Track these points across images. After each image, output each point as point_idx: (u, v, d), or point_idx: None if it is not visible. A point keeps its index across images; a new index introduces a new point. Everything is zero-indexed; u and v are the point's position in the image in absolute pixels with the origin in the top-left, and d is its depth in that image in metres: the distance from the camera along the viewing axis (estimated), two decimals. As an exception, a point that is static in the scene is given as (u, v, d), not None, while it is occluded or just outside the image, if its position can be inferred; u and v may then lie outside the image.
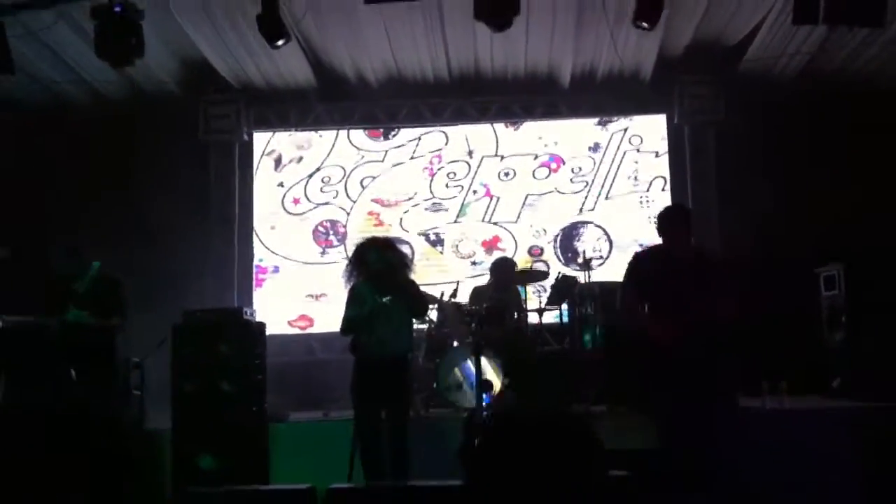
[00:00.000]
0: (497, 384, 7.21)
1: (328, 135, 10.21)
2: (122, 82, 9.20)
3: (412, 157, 10.21)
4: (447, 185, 10.17)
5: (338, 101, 10.01)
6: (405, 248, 7.27)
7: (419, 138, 10.23)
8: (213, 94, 9.77)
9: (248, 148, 10.16)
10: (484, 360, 6.88)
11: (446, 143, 10.23)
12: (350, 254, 7.01)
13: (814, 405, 7.31)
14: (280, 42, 7.63)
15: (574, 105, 10.16)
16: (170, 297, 8.07)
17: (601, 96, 10.06)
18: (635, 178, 10.11)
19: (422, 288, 6.77)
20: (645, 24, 7.52)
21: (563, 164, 10.14)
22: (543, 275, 8.98)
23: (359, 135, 10.24)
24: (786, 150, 9.20)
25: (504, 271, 8.31)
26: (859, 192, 8.85)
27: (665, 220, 5.67)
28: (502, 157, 10.16)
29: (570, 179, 10.11)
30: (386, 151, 10.22)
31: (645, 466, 6.06)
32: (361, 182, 10.14)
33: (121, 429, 1.78)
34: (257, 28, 7.48)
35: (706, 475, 5.21)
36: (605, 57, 9.31)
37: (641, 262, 5.82)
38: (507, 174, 10.14)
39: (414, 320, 6.60)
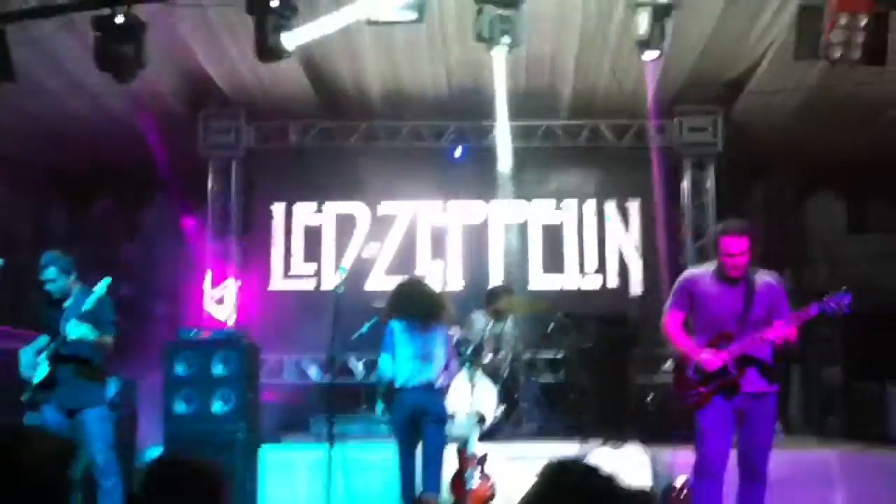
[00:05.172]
0: (490, 415, 7.20)
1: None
2: (123, 94, 9.10)
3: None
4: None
5: (337, 119, 9.98)
6: None
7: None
8: (213, 108, 9.72)
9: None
10: (478, 390, 6.88)
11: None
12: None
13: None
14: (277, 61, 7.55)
15: (572, 131, 10.16)
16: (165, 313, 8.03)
17: (599, 121, 10.09)
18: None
19: None
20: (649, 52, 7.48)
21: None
22: (541, 304, 8.96)
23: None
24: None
25: (499, 300, 8.30)
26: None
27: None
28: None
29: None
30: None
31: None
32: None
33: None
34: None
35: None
36: (604, 83, 9.33)
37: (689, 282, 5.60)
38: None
39: None
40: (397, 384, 6.29)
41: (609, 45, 8.43)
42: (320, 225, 10.15)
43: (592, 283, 10.05)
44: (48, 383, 6.06)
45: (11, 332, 7.09)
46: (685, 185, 9.99)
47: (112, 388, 6.60)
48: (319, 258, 10.03)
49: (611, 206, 10.17)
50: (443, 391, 6.42)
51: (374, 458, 6.99)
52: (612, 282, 10.04)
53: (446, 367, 6.33)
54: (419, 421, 6.20)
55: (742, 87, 9.23)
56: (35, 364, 6.09)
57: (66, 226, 9.22)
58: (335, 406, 6.62)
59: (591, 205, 10.19)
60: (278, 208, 10.17)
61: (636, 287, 9.99)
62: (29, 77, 7.94)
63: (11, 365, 6.25)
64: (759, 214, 9.02)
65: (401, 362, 6.27)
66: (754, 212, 9.14)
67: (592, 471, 2.08)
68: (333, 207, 10.15)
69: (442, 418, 6.36)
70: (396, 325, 6.35)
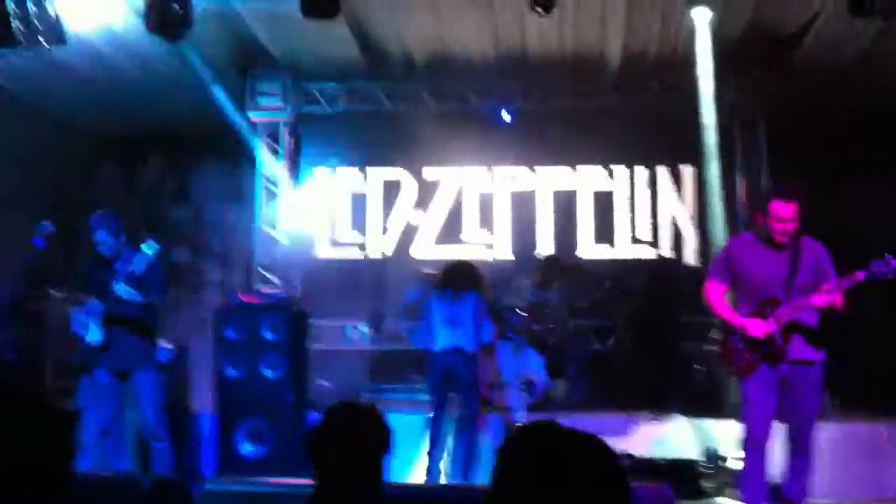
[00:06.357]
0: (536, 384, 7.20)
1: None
2: (171, 56, 9.09)
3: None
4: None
5: (384, 80, 9.89)
6: None
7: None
8: (261, 70, 9.66)
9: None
10: (524, 358, 6.87)
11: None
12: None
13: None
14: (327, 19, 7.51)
15: (622, 94, 9.93)
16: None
17: (649, 83, 9.87)
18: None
19: None
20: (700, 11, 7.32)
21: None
22: (588, 274, 8.89)
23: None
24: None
25: (549, 268, 8.27)
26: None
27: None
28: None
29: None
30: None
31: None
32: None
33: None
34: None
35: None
36: (654, 44, 9.13)
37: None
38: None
39: None
40: (432, 349, 6.62)
41: (659, 5, 8.23)
42: (365, 193, 10.14)
43: (645, 252, 9.88)
44: (100, 346, 6.12)
45: (64, 296, 7.20)
46: (738, 149, 9.73)
47: (164, 351, 6.68)
48: (365, 226, 10.03)
49: (663, 172, 9.97)
50: (475, 357, 6.61)
51: (418, 424, 7.02)
52: (666, 251, 9.88)
53: (478, 332, 6.56)
54: (450, 385, 6.49)
55: (795, 47, 8.95)
56: (87, 326, 6.15)
57: (116, 188, 9.26)
58: (381, 371, 6.65)
59: (641, 171, 10.00)
60: (322, 172, 10.17)
61: (690, 257, 9.81)
62: (80, 41, 7.96)
63: (64, 328, 6.33)
64: (812, 179, 8.77)
65: (433, 328, 6.63)
66: (807, 176, 8.88)
67: (549, 433, 1.76)
68: (377, 173, 10.11)
69: (473, 382, 6.61)
70: (433, 296, 6.77)
